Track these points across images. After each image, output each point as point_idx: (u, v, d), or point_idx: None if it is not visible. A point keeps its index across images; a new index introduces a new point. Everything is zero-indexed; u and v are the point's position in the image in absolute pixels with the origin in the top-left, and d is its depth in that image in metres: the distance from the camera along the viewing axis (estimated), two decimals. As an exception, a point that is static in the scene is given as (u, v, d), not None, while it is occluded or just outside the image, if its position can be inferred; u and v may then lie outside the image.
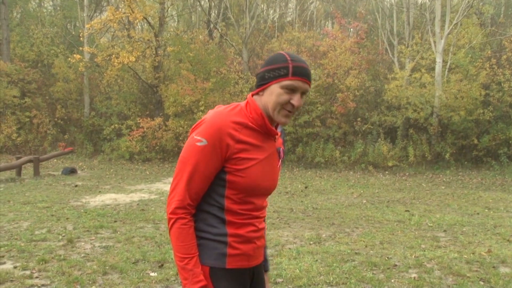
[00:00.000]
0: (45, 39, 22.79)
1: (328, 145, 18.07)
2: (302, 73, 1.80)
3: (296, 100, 1.80)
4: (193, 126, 1.85)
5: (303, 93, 1.83)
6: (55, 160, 18.08)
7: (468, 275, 5.08)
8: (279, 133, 1.93)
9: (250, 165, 1.78)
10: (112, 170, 16.13)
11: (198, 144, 1.75)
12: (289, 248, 6.08)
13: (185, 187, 1.76)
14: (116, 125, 19.82)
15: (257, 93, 1.87)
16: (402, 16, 22.20)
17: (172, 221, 1.78)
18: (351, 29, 23.38)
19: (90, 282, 4.71)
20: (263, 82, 1.84)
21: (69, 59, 19.97)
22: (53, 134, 20.94)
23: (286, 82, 1.79)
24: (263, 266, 2.07)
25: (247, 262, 1.86)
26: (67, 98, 22.07)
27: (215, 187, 1.81)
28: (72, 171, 14.54)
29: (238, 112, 1.82)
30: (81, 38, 21.37)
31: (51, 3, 28.11)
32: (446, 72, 18.45)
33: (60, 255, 5.60)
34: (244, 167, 1.77)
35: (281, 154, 1.98)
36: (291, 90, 1.80)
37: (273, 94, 1.81)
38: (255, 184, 1.80)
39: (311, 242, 6.49)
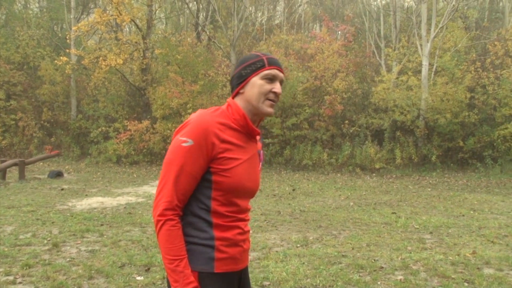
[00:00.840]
0: (31, 41, 22.57)
1: (316, 147, 18.13)
2: (276, 63, 1.93)
3: (277, 88, 1.91)
4: (177, 129, 1.86)
5: (281, 81, 1.94)
6: (41, 163, 17.90)
7: (453, 276, 5.13)
8: (259, 133, 1.97)
9: (235, 165, 1.81)
10: (99, 173, 16.02)
11: (184, 144, 1.76)
12: (276, 251, 6.08)
13: (173, 188, 1.76)
14: (103, 128, 19.68)
15: (237, 94, 1.93)
16: (389, 19, 22.39)
17: (160, 223, 1.77)
18: (339, 32, 23.51)
19: (75, 287, 4.67)
20: (242, 79, 1.92)
21: (56, 61, 19.80)
22: (39, 137, 20.74)
23: (265, 72, 1.89)
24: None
25: (234, 266, 1.87)
26: (54, 101, 21.88)
27: (202, 189, 1.81)
28: (59, 175, 14.41)
29: (220, 114, 1.87)
30: (68, 40, 21.20)
31: (37, 4, 27.86)
32: (432, 75, 18.62)
33: (45, 260, 5.55)
34: (229, 167, 1.79)
35: (261, 156, 2.02)
36: (271, 79, 1.91)
37: (255, 86, 1.89)
38: (240, 184, 1.82)
39: (298, 245, 6.50)
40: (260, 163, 2.02)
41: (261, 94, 1.87)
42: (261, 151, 2.05)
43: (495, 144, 17.28)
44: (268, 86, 1.88)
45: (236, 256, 1.86)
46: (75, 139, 20.66)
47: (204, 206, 1.81)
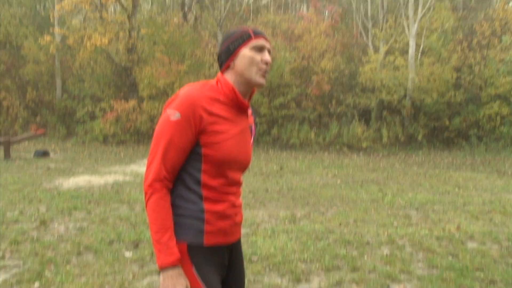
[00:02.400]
0: (13, 20, 22.11)
1: (303, 126, 18.18)
2: (262, 33, 1.94)
3: (267, 56, 1.92)
4: (166, 103, 1.87)
5: (269, 51, 1.95)
6: (27, 143, 17.72)
7: (438, 250, 5.23)
8: (249, 107, 1.97)
9: (224, 138, 1.81)
10: (85, 152, 15.91)
11: (172, 118, 1.77)
12: (264, 227, 6.13)
13: (161, 161, 1.77)
14: (89, 108, 19.49)
15: (226, 68, 1.93)
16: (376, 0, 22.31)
17: (148, 194, 1.78)
18: (326, 12, 23.39)
19: (64, 263, 4.68)
20: (230, 53, 1.91)
21: (40, 41, 19.45)
22: (24, 117, 20.49)
23: (253, 42, 1.90)
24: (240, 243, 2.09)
25: (224, 239, 1.87)
26: (38, 80, 21.55)
27: (192, 162, 1.82)
28: (45, 154, 14.28)
29: (210, 88, 1.87)
30: (51, 20, 20.81)
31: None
32: (419, 55, 18.69)
33: (33, 237, 5.54)
34: (218, 140, 1.80)
35: (253, 131, 2.02)
36: (259, 49, 1.91)
37: (245, 57, 1.89)
38: (229, 157, 1.82)
39: (286, 221, 6.56)
40: (252, 137, 2.02)
41: (252, 65, 1.87)
42: (253, 125, 2.05)
43: (480, 123, 17.49)
44: (258, 56, 1.88)
45: (226, 229, 1.87)
46: (61, 118, 20.44)
47: (194, 178, 1.82)
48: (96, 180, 9.96)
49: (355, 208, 7.47)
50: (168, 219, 1.76)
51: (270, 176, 10.93)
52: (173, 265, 1.72)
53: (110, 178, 10.23)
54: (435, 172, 12.16)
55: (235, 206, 1.92)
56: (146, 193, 1.79)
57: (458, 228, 6.18)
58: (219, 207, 1.83)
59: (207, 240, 1.81)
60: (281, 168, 12.42)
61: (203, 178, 1.81)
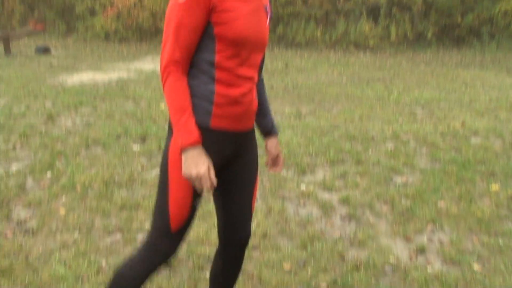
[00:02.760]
0: None
1: (309, 24, 17.63)
2: None
3: None
4: None
5: None
6: (26, 40, 17.37)
7: (441, 145, 5.29)
8: None
9: (234, 17, 1.72)
10: (87, 49, 15.64)
11: (180, 0, 1.68)
12: (270, 123, 6.16)
13: (174, 43, 1.71)
14: (88, 3, 18.82)
15: None
16: None
17: (164, 77, 1.74)
18: None
19: (74, 155, 4.78)
20: None
21: None
22: (21, 12, 19.85)
23: None
24: (270, 129, 2.06)
25: (234, 124, 1.82)
26: (33, -28, 20.60)
27: (206, 42, 1.75)
28: (46, 50, 14.04)
29: None
30: None
31: None
32: None
33: (41, 131, 5.61)
34: (228, 19, 1.72)
35: (269, 10, 1.92)
36: None
37: None
38: (241, 36, 1.74)
39: (292, 118, 6.59)
40: (268, 17, 1.92)
41: None
42: (268, 5, 1.93)
43: (494, 20, 16.89)
44: None
45: (237, 114, 1.81)
46: (60, 14, 19.82)
47: (208, 60, 1.75)
48: (100, 76, 9.88)
49: (360, 106, 7.46)
50: (185, 100, 1.72)
51: (275, 74, 10.81)
52: (193, 145, 1.69)
53: (114, 75, 10.15)
54: (443, 70, 11.97)
55: (251, 92, 1.84)
56: (162, 77, 1.75)
57: (463, 124, 6.21)
58: (232, 91, 1.77)
59: (214, 123, 1.77)
60: (287, 66, 12.25)
61: (217, 58, 1.74)
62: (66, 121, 6.12)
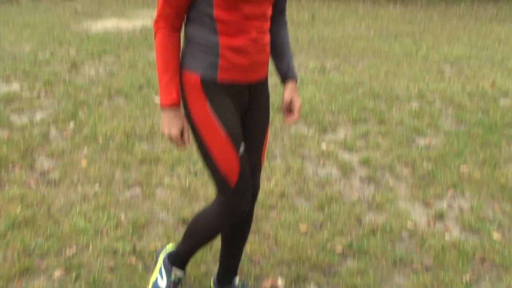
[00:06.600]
0: None
1: (339, -28, 17.00)
2: None
3: None
4: None
5: None
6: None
7: (468, 106, 5.15)
8: None
9: None
10: (112, -5, 15.45)
11: None
12: (293, 77, 6.07)
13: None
14: None
15: None
16: None
17: (154, 33, 1.74)
18: None
19: (96, 105, 4.81)
20: None
21: None
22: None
23: None
24: (286, 73, 1.92)
25: (241, 76, 1.76)
26: None
27: None
28: (71, -5, 13.93)
29: None
30: None
31: None
32: None
33: (65, 79, 5.65)
34: None
35: None
36: None
37: None
38: None
39: (315, 72, 6.47)
40: None
41: None
42: None
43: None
44: None
45: (244, 66, 1.74)
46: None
47: (207, 12, 1.68)
48: (124, 24, 9.81)
49: (386, 61, 7.27)
50: (170, 60, 1.70)
51: (301, 26, 10.55)
52: (170, 107, 1.70)
53: (138, 23, 10.05)
54: (476, 25, 11.50)
55: (258, 42, 1.76)
56: (154, 33, 1.75)
57: (493, 84, 6.01)
58: (236, 41, 1.70)
59: (221, 75, 1.72)
60: (313, 18, 11.92)
61: (216, 12, 1.67)
62: (89, 70, 6.14)
